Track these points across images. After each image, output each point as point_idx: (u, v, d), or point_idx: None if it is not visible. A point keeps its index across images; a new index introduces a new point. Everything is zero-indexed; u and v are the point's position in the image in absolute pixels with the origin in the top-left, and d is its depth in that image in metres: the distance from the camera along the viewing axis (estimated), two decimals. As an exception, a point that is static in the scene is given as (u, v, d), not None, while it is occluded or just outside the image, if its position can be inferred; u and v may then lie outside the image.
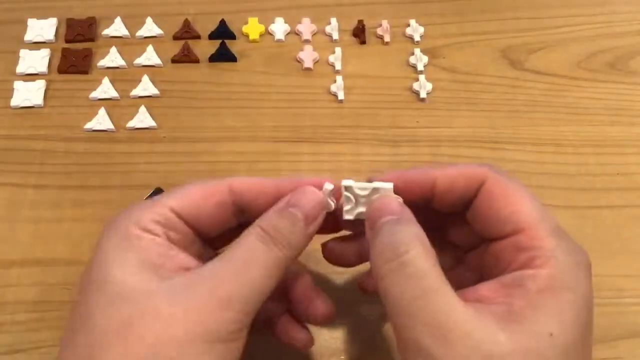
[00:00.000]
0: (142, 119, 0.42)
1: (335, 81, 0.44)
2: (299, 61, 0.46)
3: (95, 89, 0.44)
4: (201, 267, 0.27)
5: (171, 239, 0.28)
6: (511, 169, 0.41)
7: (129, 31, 0.46)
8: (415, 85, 0.44)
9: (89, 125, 0.42)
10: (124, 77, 0.44)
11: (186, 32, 0.46)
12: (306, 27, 0.47)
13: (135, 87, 0.44)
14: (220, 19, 0.47)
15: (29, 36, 0.46)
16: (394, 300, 0.24)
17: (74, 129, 0.42)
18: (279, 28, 0.47)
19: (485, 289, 0.26)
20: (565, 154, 0.42)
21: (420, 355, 0.23)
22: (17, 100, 0.43)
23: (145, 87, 0.44)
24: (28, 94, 0.43)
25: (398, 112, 0.43)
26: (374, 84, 0.45)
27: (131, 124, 0.42)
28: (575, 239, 0.39)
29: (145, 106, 0.43)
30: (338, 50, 0.46)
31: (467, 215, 0.29)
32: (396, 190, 0.28)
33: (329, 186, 0.29)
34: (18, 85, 0.43)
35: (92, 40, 0.46)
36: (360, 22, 0.47)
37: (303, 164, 0.41)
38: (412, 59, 0.45)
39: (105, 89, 0.44)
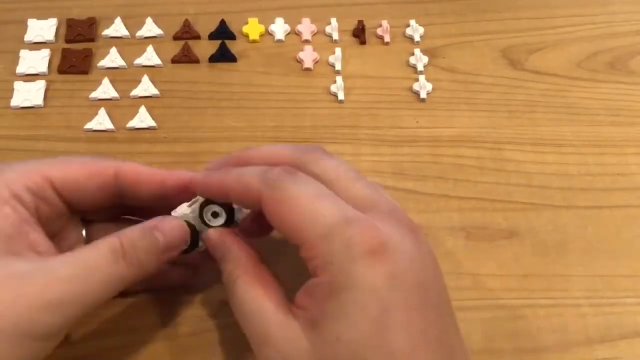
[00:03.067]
0: (142, 119, 0.42)
1: (335, 81, 0.44)
2: (299, 61, 0.46)
3: (95, 89, 0.44)
4: (46, 260, 0.26)
5: (39, 210, 0.28)
6: (511, 169, 0.41)
7: (129, 31, 0.46)
8: (415, 86, 0.44)
9: (89, 126, 0.42)
10: (124, 77, 0.44)
11: (186, 32, 0.46)
12: (306, 27, 0.47)
13: (135, 87, 0.44)
14: (220, 19, 0.47)
15: (29, 36, 0.46)
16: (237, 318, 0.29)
17: (74, 129, 0.42)
18: (279, 28, 0.47)
19: (299, 295, 0.27)
20: (565, 154, 0.42)
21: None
22: (17, 101, 0.43)
23: (145, 87, 0.44)
24: (28, 94, 0.43)
25: (398, 112, 0.43)
26: (374, 84, 0.45)
27: (131, 124, 0.42)
28: (575, 239, 0.39)
29: (145, 106, 0.43)
30: (338, 50, 0.46)
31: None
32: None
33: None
34: (18, 85, 0.43)
35: (92, 40, 0.46)
36: (360, 22, 0.47)
37: (303, 164, 0.41)
38: (412, 59, 0.45)
39: (105, 89, 0.44)
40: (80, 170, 0.29)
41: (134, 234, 0.28)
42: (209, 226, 0.31)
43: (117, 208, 0.32)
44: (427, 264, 0.27)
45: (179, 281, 0.33)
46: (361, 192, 0.29)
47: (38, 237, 0.28)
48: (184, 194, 0.31)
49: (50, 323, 0.25)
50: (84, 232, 0.32)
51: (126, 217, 0.33)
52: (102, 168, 0.30)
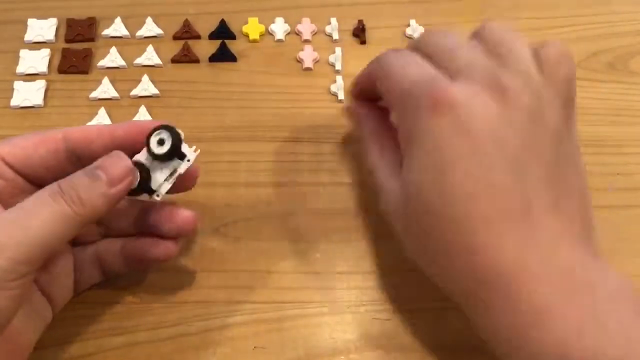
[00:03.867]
0: (142, 119, 0.42)
1: (335, 81, 0.44)
2: (299, 61, 0.46)
3: (95, 89, 0.44)
4: None
5: None
6: (511, 169, 0.41)
7: (129, 31, 0.46)
8: (415, 85, 0.44)
9: (89, 125, 0.42)
10: (124, 77, 0.44)
11: (186, 32, 0.46)
12: (306, 27, 0.47)
13: (135, 87, 0.44)
14: (220, 19, 0.47)
15: (29, 36, 0.46)
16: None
17: (74, 129, 0.42)
18: (279, 28, 0.47)
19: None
20: (565, 154, 0.42)
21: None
22: (17, 100, 0.43)
23: (145, 87, 0.44)
24: (28, 94, 0.43)
25: (398, 112, 0.43)
26: (374, 84, 0.45)
27: (131, 124, 0.42)
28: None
29: (145, 106, 0.43)
30: (338, 50, 0.46)
31: None
32: None
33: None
34: (18, 85, 0.43)
35: (92, 40, 0.46)
36: (360, 22, 0.47)
37: (303, 164, 0.41)
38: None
39: (105, 89, 0.44)
40: (28, 141, 0.30)
41: (74, 175, 0.28)
42: (155, 156, 0.30)
43: None
44: (506, 120, 0.29)
45: (163, 255, 0.32)
46: (455, 62, 0.31)
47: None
48: (139, 143, 0.31)
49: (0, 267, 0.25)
50: None
51: None
52: (50, 134, 0.30)
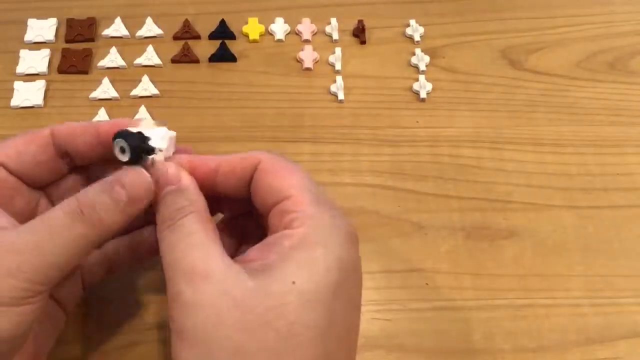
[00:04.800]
0: (143, 117, 0.42)
1: (335, 81, 0.44)
2: (299, 61, 0.46)
3: (95, 89, 0.44)
4: (5, 231, 0.27)
5: None
6: (511, 169, 0.41)
7: (129, 31, 0.46)
8: (415, 86, 0.44)
9: (89, 125, 0.42)
10: (124, 77, 0.44)
11: (186, 32, 0.46)
12: (306, 27, 0.47)
13: (135, 87, 0.44)
14: (220, 19, 0.47)
15: (29, 36, 0.46)
16: (165, 258, 0.27)
17: (74, 129, 0.42)
18: (279, 28, 0.47)
19: (252, 251, 0.28)
20: (565, 154, 0.42)
21: (176, 301, 0.26)
22: (17, 101, 0.43)
23: (145, 87, 0.44)
24: (28, 94, 0.43)
25: (398, 112, 0.43)
26: (374, 84, 0.45)
27: (131, 124, 0.42)
28: (575, 239, 0.39)
29: (145, 106, 0.43)
30: (338, 50, 0.46)
31: (251, 195, 0.30)
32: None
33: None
34: (18, 85, 0.43)
35: (92, 40, 0.46)
36: (360, 22, 0.47)
37: (303, 164, 0.41)
38: (413, 59, 0.45)
39: (105, 89, 0.44)
40: (17, 141, 0.30)
41: (93, 192, 0.27)
42: (122, 163, 0.29)
43: (76, 175, 0.32)
44: (360, 273, 0.29)
45: None
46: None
47: None
48: None
49: (13, 286, 0.25)
50: None
51: None
52: (38, 132, 0.30)
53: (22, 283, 0.25)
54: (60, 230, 0.26)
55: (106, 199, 0.27)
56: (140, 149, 0.28)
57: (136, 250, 0.33)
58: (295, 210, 0.27)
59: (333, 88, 0.44)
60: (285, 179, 0.29)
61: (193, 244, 0.27)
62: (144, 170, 0.28)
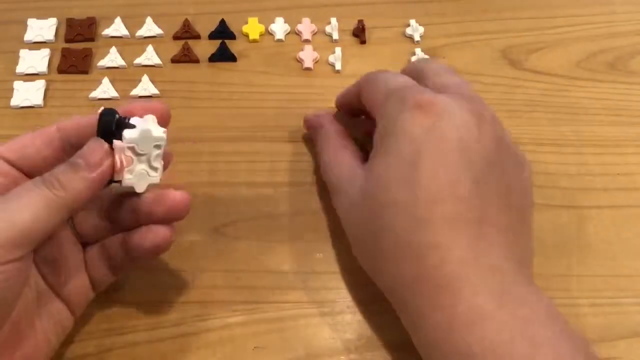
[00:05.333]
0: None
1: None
2: (299, 61, 0.46)
3: (95, 89, 0.44)
4: None
5: None
6: (511, 169, 0.41)
7: (129, 31, 0.46)
8: (415, 85, 0.44)
9: (89, 125, 0.42)
10: (124, 77, 0.44)
11: (186, 32, 0.46)
12: (306, 27, 0.47)
13: (135, 87, 0.44)
14: (220, 19, 0.47)
15: (29, 36, 0.46)
16: (323, 177, 0.37)
17: (74, 129, 0.42)
18: (279, 28, 0.47)
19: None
20: (565, 154, 0.42)
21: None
22: (17, 100, 0.43)
23: (145, 87, 0.44)
24: (28, 94, 0.43)
25: (398, 112, 0.43)
26: (374, 84, 0.45)
27: (131, 124, 0.42)
28: (575, 239, 0.39)
29: (145, 106, 0.43)
30: (338, 50, 0.46)
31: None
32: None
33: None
34: (18, 85, 0.43)
35: (92, 40, 0.46)
36: (360, 22, 0.47)
37: (303, 164, 0.41)
38: (413, 59, 0.45)
39: (105, 89, 0.44)
40: (25, 137, 0.31)
41: (57, 166, 0.29)
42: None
43: None
44: (478, 140, 0.31)
45: (159, 241, 0.32)
46: (439, 80, 0.35)
47: None
48: None
49: None
50: None
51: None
52: (44, 128, 0.31)
53: None
54: (23, 192, 0.28)
55: (64, 166, 0.29)
56: (107, 127, 0.29)
57: (129, 249, 0.33)
58: (377, 114, 0.34)
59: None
60: (371, 92, 0.36)
61: (334, 162, 0.36)
62: (100, 139, 0.29)
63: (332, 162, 0.36)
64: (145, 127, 0.30)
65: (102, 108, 0.30)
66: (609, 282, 0.37)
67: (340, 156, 0.36)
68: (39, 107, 0.43)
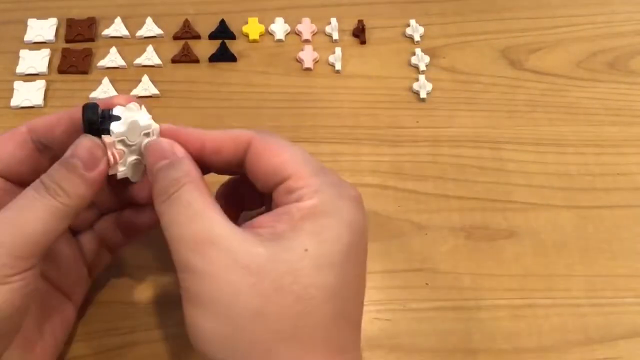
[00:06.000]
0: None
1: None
2: (299, 61, 0.46)
3: (95, 89, 0.44)
4: None
5: None
6: (511, 169, 0.41)
7: (129, 31, 0.46)
8: (415, 85, 0.44)
9: (89, 125, 0.42)
10: (124, 77, 0.44)
11: (186, 32, 0.46)
12: (306, 27, 0.47)
13: (135, 87, 0.44)
14: (220, 19, 0.47)
15: (29, 36, 0.46)
16: (168, 232, 0.27)
17: (74, 129, 0.42)
18: (279, 28, 0.47)
19: (262, 218, 0.28)
20: (565, 154, 0.42)
21: (186, 272, 0.26)
22: (17, 100, 0.43)
23: (145, 87, 0.44)
24: (28, 94, 0.43)
25: (398, 112, 0.43)
26: (374, 84, 0.45)
27: (131, 124, 0.42)
28: (575, 239, 0.39)
29: (145, 106, 0.42)
30: (338, 50, 0.46)
31: (249, 175, 0.30)
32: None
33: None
34: (18, 85, 0.43)
35: (92, 40, 0.46)
36: (360, 22, 0.47)
37: (303, 164, 0.41)
38: (414, 59, 0.45)
39: (105, 89, 0.44)
40: None
41: (52, 168, 0.28)
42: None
43: None
44: (366, 234, 0.29)
45: (149, 221, 0.32)
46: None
47: None
48: None
49: None
50: None
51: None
52: (14, 130, 0.31)
53: (3, 258, 0.26)
54: (30, 204, 0.27)
55: (63, 171, 0.28)
56: (93, 124, 0.29)
57: (123, 229, 0.33)
58: (300, 187, 0.28)
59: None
60: (281, 157, 0.29)
61: (194, 214, 0.27)
62: (91, 136, 0.29)
63: (195, 206, 0.27)
64: (131, 117, 0.29)
65: (84, 104, 0.30)
66: (609, 282, 0.37)
67: (211, 203, 0.28)
68: (39, 107, 0.43)
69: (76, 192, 0.28)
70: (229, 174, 0.32)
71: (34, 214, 0.27)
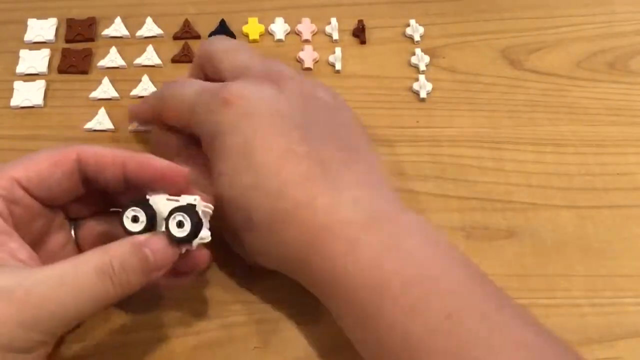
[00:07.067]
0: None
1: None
2: (299, 61, 0.46)
3: (95, 89, 0.44)
4: (28, 273, 0.26)
5: (13, 214, 0.28)
6: (511, 169, 0.41)
7: (129, 31, 0.46)
8: (415, 85, 0.44)
9: (89, 125, 0.42)
10: (124, 77, 0.44)
11: (186, 32, 0.46)
12: (306, 27, 0.47)
13: (135, 87, 0.44)
14: (220, 19, 0.47)
15: (29, 36, 0.46)
16: None
17: (74, 129, 0.42)
18: (279, 28, 0.47)
19: None
20: (565, 154, 0.42)
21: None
22: (17, 101, 0.43)
23: (145, 87, 0.44)
24: (28, 94, 0.43)
25: (398, 112, 0.43)
26: (374, 84, 0.45)
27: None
28: (575, 239, 0.39)
29: (145, 106, 0.43)
30: (338, 50, 0.46)
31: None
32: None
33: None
34: (18, 85, 0.43)
35: (92, 40, 0.46)
36: (360, 22, 0.47)
37: (303, 164, 0.41)
38: (413, 59, 0.45)
39: (105, 89, 0.44)
40: (43, 163, 0.29)
41: (124, 252, 0.27)
42: (172, 235, 0.29)
43: (101, 200, 0.32)
44: (283, 100, 0.33)
45: (176, 286, 0.33)
46: (235, 63, 0.36)
47: (16, 245, 0.27)
48: (149, 180, 0.30)
49: (28, 339, 0.25)
50: (72, 231, 0.33)
51: (114, 209, 0.32)
52: (64, 155, 0.30)
53: (37, 335, 0.25)
54: (86, 286, 0.26)
55: (135, 261, 0.27)
56: (198, 228, 0.29)
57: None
58: (193, 131, 0.34)
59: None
60: (175, 113, 0.35)
61: None
62: (176, 248, 0.29)
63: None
64: (202, 234, 0.29)
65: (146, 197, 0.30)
66: (609, 282, 0.37)
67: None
68: (39, 107, 0.43)
69: (136, 286, 0.27)
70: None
71: (87, 299, 0.26)
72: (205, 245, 0.30)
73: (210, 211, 0.31)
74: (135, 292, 0.28)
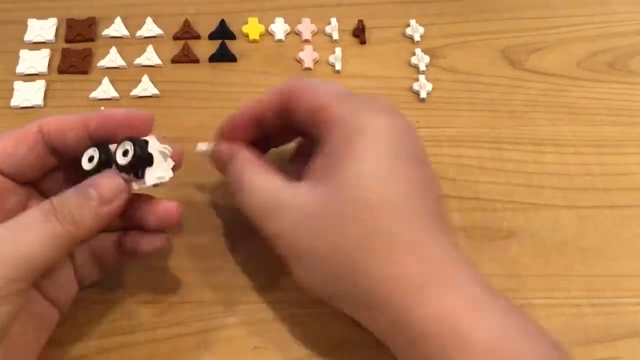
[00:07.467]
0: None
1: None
2: (299, 61, 0.46)
3: (95, 89, 0.44)
4: None
5: None
6: (511, 169, 0.41)
7: (129, 31, 0.46)
8: (415, 86, 0.44)
9: (89, 125, 0.42)
10: (124, 77, 0.44)
11: (186, 32, 0.46)
12: (306, 27, 0.47)
13: (135, 87, 0.44)
14: (220, 19, 0.47)
15: (29, 36, 0.46)
16: (244, 209, 0.32)
17: (74, 129, 0.42)
18: (279, 28, 0.47)
19: (306, 170, 0.32)
20: (565, 154, 0.42)
21: (269, 239, 0.31)
22: (17, 101, 0.43)
23: (145, 87, 0.44)
24: (28, 94, 0.43)
25: (398, 112, 0.43)
26: (374, 84, 0.45)
27: (131, 124, 0.42)
28: (575, 239, 0.39)
29: (145, 106, 0.43)
30: (338, 50, 0.46)
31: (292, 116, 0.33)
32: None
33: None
34: (18, 85, 0.43)
35: (92, 40, 0.46)
36: (360, 22, 0.47)
37: (303, 164, 0.41)
38: (413, 59, 0.45)
39: (105, 89, 0.44)
40: (6, 140, 0.30)
41: (68, 193, 0.28)
42: (120, 167, 0.29)
43: (68, 166, 0.32)
44: (414, 132, 0.33)
45: (152, 249, 0.32)
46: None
47: None
48: (112, 132, 0.30)
49: None
50: None
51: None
52: (25, 129, 0.30)
53: None
54: (34, 226, 0.27)
55: (79, 199, 0.28)
56: (143, 161, 0.29)
57: (122, 251, 0.33)
58: (327, 119, 0.31)
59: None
60: (314, 95, 0.32)
61: (257, 188, 0.32)
62: (117, 174, 0.29)
63: (258, 182, 0.32)
64: (158, 172, 0.30)
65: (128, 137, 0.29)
66: (609, 282, 0.37)
67: (270, 175, 0.32)
68: (39, 107, 0.43)
69: (84, 223, 0.28)
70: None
71: (36, 236, 0.26)
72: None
73: (168, 153, 0.31)
74: (93, 230, 0.28)
